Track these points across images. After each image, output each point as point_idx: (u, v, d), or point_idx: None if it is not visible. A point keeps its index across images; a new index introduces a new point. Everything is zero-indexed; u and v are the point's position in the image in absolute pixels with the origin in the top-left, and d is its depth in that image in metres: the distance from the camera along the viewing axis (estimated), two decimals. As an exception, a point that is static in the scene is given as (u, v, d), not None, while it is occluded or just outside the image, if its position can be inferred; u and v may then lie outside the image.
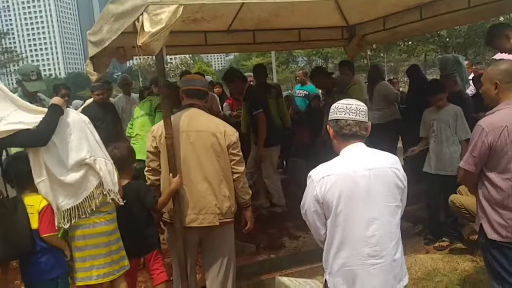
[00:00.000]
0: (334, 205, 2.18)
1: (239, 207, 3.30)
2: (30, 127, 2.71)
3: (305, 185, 6.05)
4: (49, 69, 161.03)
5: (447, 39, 24.32)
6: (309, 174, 2.29)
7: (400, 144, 6.71)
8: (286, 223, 4.90)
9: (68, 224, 2.82)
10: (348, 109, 2.25)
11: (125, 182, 3.17)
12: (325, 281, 2.35)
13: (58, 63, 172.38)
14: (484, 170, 2.75)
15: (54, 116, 2.80)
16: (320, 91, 7.83)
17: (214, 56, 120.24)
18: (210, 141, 3.07)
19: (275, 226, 4.81)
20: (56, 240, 2.85)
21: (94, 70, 4.89)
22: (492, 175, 2.72)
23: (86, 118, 3.04)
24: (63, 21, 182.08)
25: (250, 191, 3.31)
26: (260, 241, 4.42)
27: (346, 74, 6.42)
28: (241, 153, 3.19)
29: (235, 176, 3.18)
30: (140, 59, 3.16)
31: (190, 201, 3.06)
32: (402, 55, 31.29)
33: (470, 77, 7.68)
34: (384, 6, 5.65)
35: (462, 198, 4.16)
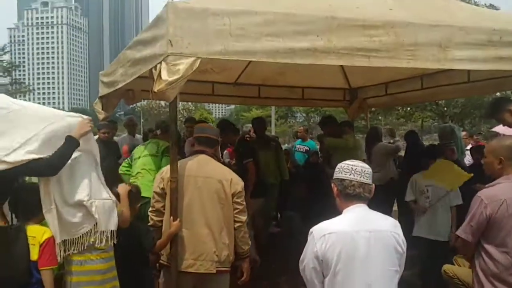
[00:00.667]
0: (333, 263, 2.19)
1: (236, 258, 3.28)
2: (43, 155, 2.75)
3: (299, 238, 5.98)
4: (54, 102, 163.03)
5: (445, 108, 24.83)
6: (311, 230, 2.31)
7: (395, 207, 6.72)
8: (278, 277, 4.83)
9: (62, 255, 2.79)
10: (354, 170, 2.31)
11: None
12: None
13: (63, 98, 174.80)
14: (482, 242, 2.78)
15: (69, 149, 2.83)
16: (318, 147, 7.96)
17: (215, 104, 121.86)
18: (215, 188, 3.12)
19: (267, 279, 4.74)
20: (50, 278, 2.79)
21: (102, 109, 4.98)
22: (489, 247, 2.75)
23: (97, 154, 3.08)
24: (73, 59, 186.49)
25: (250, 242, 3.30)
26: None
27: (347, 133, 6.60)
28: (244, 203, 3.21)
29: (237, 225, 3.19)
30: (143, 101, 3.27)
31: (189, 245, 3.06)
32: (400, 120, 31.78)
33: (468, 147, 7.82)
34: (387, 73, 5.83)
35: (456, 268, 4.15)
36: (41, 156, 2.75)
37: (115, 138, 7.05)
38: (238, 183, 3.19)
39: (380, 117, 28.45)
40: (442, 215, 4.59)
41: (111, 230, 2.95)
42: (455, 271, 4.11)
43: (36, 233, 2.78)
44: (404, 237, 2.35)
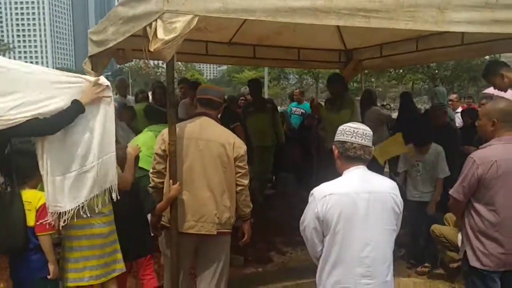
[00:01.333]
0: (333, 223, 2.24)
1: (237, 220, 3.32)
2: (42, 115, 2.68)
3: (293, 200, 6.09)
4: (37, 62, 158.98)
5: (436, 71, 24.90)
6: (312, 191, 2.34)
7: (386, 168, 6.80)
8: (274, 238, 4.94)
9: (65, 223, 2.78)
10: (355, 132, 2.32)
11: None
12: (317, 297, 2.38)
13: (47, 57, 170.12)
14: (472, 200, 2.87)
15: (72, 112, 2.75)
16: None
17: (206, 65, 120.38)
18: (218, 151, 3.10)
19: (263, 240, 4.83)
20: (49, 243, 2.80)
21: (92, 69, 4.87)
22: (478, 206, 2.84)
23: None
24: (56, 15, 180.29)
25: (251, 205, 3.32)
26: (249, 254, 4.45)
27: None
28: (247, 167, 3.21)
29: (239, 188, 3.20)
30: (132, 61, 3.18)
31: (190, 207, 3.08)
32: (391, 82, 31.79)
33: (459, 110, 7.87)
34: (383, 34, 5.78)
35: (443, 228, 4.28)
36: (40, 116, 2.68)
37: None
38: (241, 147, 3.18)
39: (372, 79, 28.38)
40: (431, 186, 4.69)
41: (110, 187, 2.91)
42: (442, 230, 4.24)
43: (32, 198, 2.76)
44: (401, 198, 2.39)
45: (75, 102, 2.76)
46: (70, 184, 2.77)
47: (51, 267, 2.81)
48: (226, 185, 3.13)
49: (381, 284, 2.28)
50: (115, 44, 3.75)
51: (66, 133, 2.77)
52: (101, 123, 2.88)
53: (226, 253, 3.29)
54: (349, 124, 2.40)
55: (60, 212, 2.75)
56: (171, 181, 3.03)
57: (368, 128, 2.38)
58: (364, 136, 2.32)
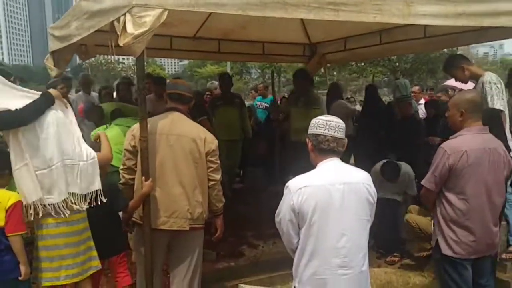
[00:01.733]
0: (309, 215, 2.26)
1: (209, 215, 3.32)
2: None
3: (261, 194, 6.11)
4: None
5: (397, 64, 25.48)
6: (287, 184, 2.35)
7: (352, 160, 6.94)
8: (245, 231, 4.96)
9: (40, 215, 2.70)
10: (328, 125, 2.35)
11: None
12: (294, 288, 2.40)
13: (2, 53, 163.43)
14: (443, 190, 2.95)
15: (43, 103, 2.69)
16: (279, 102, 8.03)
17: (167, 60, 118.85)
18: (189, 147, 3.09)
19: (234, 234, 4.85)
20: (20, 243, 2.73)
21: (54, 65, 4.73)
22: (449, 195, 2.92)
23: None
24: (10, 10, 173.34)
25: (223, 199, 3.33)
26: (220, 249, 4.46)
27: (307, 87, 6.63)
28: (218, 161, 3.21)
29: (211, 183, 3.20)
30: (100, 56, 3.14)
31: (162, 203, 3.06)
32: (352, 75, 32.32)
33: (421, 101, 8.09)
34: (347, 28, 5.85)
35: (417, 218, 4.41)
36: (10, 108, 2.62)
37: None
38: (212, 142, 3.18)
39: (334, 73, 28.76)
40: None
41: (95, 190, 2.89)
42: (416, 220, 4.37)
43: (1, 198, 2.68)
44: (375, 188, 2.44)
45: (44, 94, 2.71)
46: (58, 176, 2.73)
47: (22, 268, 2.74)
48: (198, 181, 3.12)
49: (358, 274, 2.33)
50: (79, 39, 3.65)
51: (39, 126, 2.72)
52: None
53: (199, 248, 3.29)
54: (322, 117, 2.42)
55: (46, 205, 2.70)
56: (143, 177, 3.00)
57: (341, 121, 2.42)
58: (337, 129, 2.36)
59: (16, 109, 2.63)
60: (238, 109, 6.35)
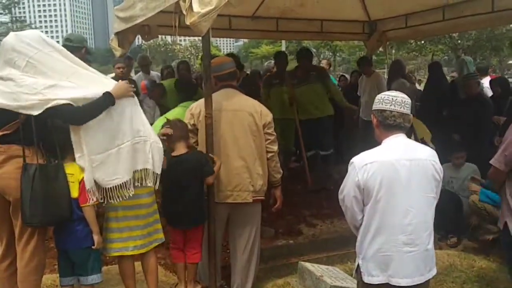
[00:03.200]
0: (375, 191, 2.26)
1: (269, 186, 3.40)
2: (75, 103, 2.71)
3: (318, 173, 6.04)
4: (58, 41, 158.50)
5: (459, 41, 24.28)
6: (351, 160, 2.36)
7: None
8: (303, 210, 4.99)
9: (117, 201, 2.83)
10: (394, 101, 2.32)
11: (183, 150, 3.21)
12: (358, 265, 2.42)
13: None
14: None
15: (103, 104, 2.78)
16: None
17: (223, 40, 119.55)
18: (247, 121, 3.19)
19: (292, 213, 4.88)
20: (92, 214, 2.86)
21: (118, 46, 4.92)
22: None
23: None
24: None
25: (281, 171, 3.43)
26: (279, 226, 4.51)
27: (367, 71, 6.74)
28: (275, 133, 3.31)
29: (269, 155, 3.30)
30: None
31: (225, 178, 3.18)
32: (411, 53, 31.21)
33: (484, 80, 7.72)
34: (408, 4, 5.68)
35: (485, 200, 4.26)
36: (72, 102, 2.71)
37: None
38: (268, 114, 3.28)
39: (393, 51, 27.89)
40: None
41: (157, 174, 2.98)
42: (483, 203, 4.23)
43: (74, 171, 2.82)
44: (440, 165, 2.40)
45: (106, 94, 2.79)
46: (123, 157, 2.83)
47: (95, 237, 2.88)
48: (257, 153, 3.22)
49: (423, 252, 2.31)
50: (143, 20, 3.77)
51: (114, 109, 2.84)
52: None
53: (258, 221, 3.40)
54: (388, 92, 2.40)
55: (117, 185, 2.82)
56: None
57: (406, 96, 2.38)
58: (403, 104, 2.32)
59: (78, 107, 2.71)
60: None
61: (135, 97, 3.02)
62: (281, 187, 3.49)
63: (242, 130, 3.17)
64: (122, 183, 2.82)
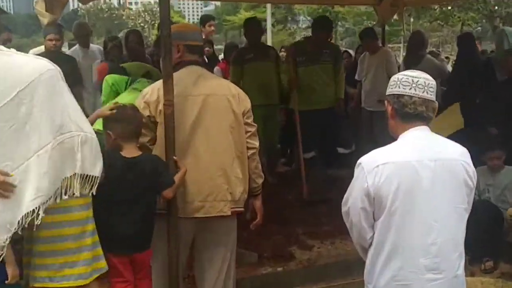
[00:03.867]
0: (389, 201, 2.27)
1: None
2: None
3: (317, 179, 6.10)
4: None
5: (496, 8, 24.67)
6: (359, 161, 2.37)
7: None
8: (295, 228, 5.01)
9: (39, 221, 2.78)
10: (415, 83, 2.33)
11: (135, 152, 3.15)
12: (366, 298, 2.44)
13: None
14: None
15: None
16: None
17: (188, 4, 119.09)
18: (223, 108, 3.16)
19: (281, 231, 4.89)
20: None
21: (46, 10, 4.86)
22: None
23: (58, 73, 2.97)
24: None
25: (263, 175, 3.43)
26: (264, 249, 4.52)
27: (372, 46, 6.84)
28: (255, 124, 3.33)
29: (250, 152, 3.29)
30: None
31: (194, 184, 3.12)
32: (434, 23, 31.57)
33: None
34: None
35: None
36: None
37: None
38: (246, 99, 3.28)
39: (411, 19, 28.18)
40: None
41: (93, 177, 2.92)
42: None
43: None
44: (474, 168, 2.43)
45: None
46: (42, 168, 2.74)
47: (9, 270, 2.82)
48: (235, 151, 3.19)
49: (451, 279, 2.33)
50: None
51: None
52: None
53: (234, 241, 3.38)
54: (407, 72, 2.41)
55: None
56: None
57: (430, 78, 2.40)
58: (426, 88, 2.33)
59: None
60: (274, 64, 6.35)
61: (60, 80, 2.93)
62: (268, 197, 3.50)
63: (217, 120, 3.14)
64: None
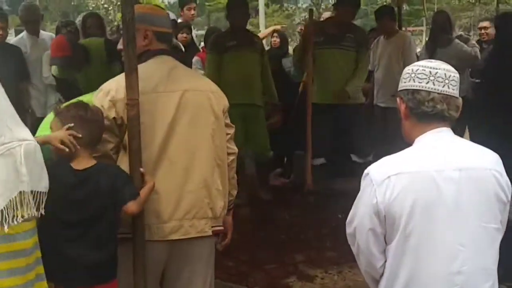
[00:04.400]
0: (403, 221, 2.28)
1: None
2: None
3: (318, 194, 6.17)
4: None
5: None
6: (366, 171, 2.39)
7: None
8: (292, 254, 5.03)
9: None
10: (433, 74, 2.35)
11: (90, 162, 3.12)
12: None
13: None
14: None
15: None
16: None
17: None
18: (202, 106, 3.21)
19: (277, 259, 4.94)
20: None
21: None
22: None
23: None
24: None
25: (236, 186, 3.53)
26: (256, 282, 4.55)
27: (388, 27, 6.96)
28: (234, 126, 3.43)
29: (230, 158, 3.38)
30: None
31: (170, 200, 3.12)
32: (463, 1, 31.81)
33: None
34: None
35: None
36: None
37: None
38: (223, 96, 3.35)
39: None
40: None
41: (42, 193, 2.91)
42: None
43: None
44: (508, 178, 2.44)
45: None
46: None
47: None
48: (216, 158, 3.24)
49: (481, 314, 2.35)
50: None
51: None
52: None
53: (213, 267, 3.40)
54: (423, 62, 2.43)
55: None
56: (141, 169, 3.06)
57: (452, 69, 2.41)
58: (447, 81, 2.35)
59: None
60: (259, 56, 6.40)
61: None
62: (261, 217, 3.52)
63: (196, 121, 3.17)
64: None
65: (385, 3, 7.66)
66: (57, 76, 5.85)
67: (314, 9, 31.38)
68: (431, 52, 6.59)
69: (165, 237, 3.14)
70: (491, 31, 8.17)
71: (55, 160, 3.13)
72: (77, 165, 3.07)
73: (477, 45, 7.63)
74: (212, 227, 3.24)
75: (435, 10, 25.26)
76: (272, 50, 8.26)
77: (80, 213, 3.05)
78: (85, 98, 3.93)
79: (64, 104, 3.23)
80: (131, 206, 3.01)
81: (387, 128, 6.63)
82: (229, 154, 3.36)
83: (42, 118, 4.10)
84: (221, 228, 3.35)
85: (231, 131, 3.38)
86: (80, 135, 3.01)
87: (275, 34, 8.74)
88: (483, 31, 8.48)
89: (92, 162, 3.10)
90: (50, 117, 3.97)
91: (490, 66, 6.71)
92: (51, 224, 3.03)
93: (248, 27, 7.65)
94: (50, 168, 2.88)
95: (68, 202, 3.04)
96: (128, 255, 3.15)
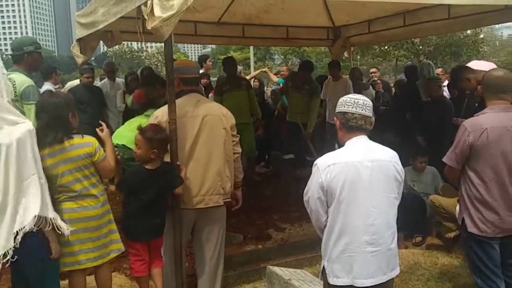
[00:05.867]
0: (337, 192, 2.28)
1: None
2: None
3: (287, 178, 6.12)
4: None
5: (420, 47, 25.02)
6: (315, 162, 2.37)
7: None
8: (271, 215, 4.99)
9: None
10: (356, 103, 2.36)
11: (159, 163, 3.11)
12: (323, 267, 2.43)
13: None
14: (466, 168, 2.91)
15: None
16: None
17: (190, 47, 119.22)
18: (217, 125, 3.22)
19: (261, 218, 4.90)
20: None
21: (80, 53, 4.80)
22: (471, 173, 2.88)
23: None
24: (36, 0, 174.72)
25: (243, 172, 3.55)
26: (248, 231, 4.50)
27: (336, 74, 6.83)
28: (238, 135, 3.44)
29: (236, 156, 3.38)
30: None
31: (197, 183, 3.16)
32: (375, 59, 31.91)
33: (445, 83, 7.94)
34: (370, 10, 5.81)
35: (441, 198, 4.36)
36: None
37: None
38: (232, 117, 3.37)
39: (358, 57, 28.44)
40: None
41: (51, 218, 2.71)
42: (440, 201, 4.33)
43: None
44: (402, 167, 2.44)
45: None
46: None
47: (53, 246, 2.73)
48: (226, 156, 3.27)
49: (386, 251, 2.34)
50: (105, 26, 3.69)
51: None
52: None
53: (224, 223, 3.40)
54: (350, 95, 2.43)
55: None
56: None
57: (367, 99, 2.42)
58: (364, 107, 2.36)
59: None
60: (246, 92, 6.31)
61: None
62: (252, 192, 3.49)
63: (214, 134, 3.20)
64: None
65: (327, 62, 7.74)
66: (130, 107, 5.75)
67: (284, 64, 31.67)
68: (355, 91, 6.60)
69: (193, 206, 3.18)
70: (378, 75, 8.53)
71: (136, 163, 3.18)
72: (151, 166, 3.09)
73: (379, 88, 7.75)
74: (224, 200, 3.27)
75: (358, 65, 25.36)
76: (255, 89, 8.16)
77: (150, 194, 3.05)
78: (142, 120, 3.91)
79: (145, 125, 3.16)
80: (179, 189, 3.06)
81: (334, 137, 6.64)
82: (235, 153, 3.37)
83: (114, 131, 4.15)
84: (230, 200, 3.36)
85: (236, 139, 3.39)
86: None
87: (255, 80, 8.64)
88: (372, 74, 8.45)
89: (158, 163, 3.11)
90: (121, 129, 3.96)
91: (397, 99, 6.77)
92: (132, 200, 3.09)
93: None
94: (133, 169, 3.14)
95: (143, 188, 3.05)
96: (170, 218, 3.18)
